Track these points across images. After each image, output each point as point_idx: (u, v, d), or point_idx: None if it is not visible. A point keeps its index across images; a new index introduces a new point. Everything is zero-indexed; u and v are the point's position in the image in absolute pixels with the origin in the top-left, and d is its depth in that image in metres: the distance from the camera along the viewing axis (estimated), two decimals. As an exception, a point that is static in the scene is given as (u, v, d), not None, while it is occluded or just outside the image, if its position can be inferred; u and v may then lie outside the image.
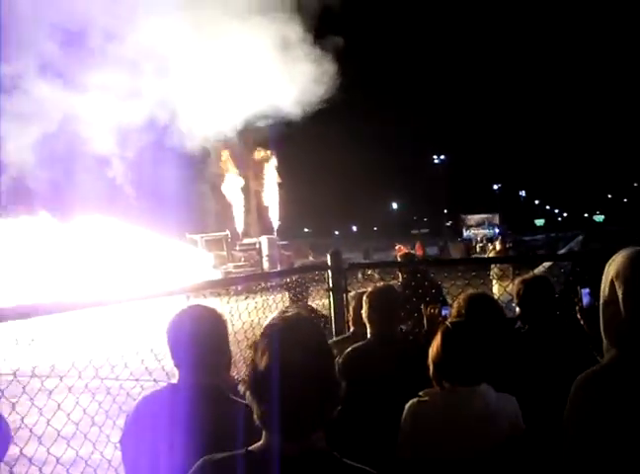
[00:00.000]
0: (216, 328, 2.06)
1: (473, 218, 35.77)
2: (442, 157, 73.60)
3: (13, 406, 2.29)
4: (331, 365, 1.32)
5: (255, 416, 1.28)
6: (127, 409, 2.04)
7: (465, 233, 33.79)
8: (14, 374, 2.53)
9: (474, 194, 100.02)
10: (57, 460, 2.43)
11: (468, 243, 31.32)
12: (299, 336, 1.28)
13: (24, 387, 2.49)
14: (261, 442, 1.30)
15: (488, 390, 2.20)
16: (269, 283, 6.03)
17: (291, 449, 1.25)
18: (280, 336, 1.28)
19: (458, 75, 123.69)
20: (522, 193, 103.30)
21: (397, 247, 33.42)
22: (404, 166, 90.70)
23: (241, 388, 1.31)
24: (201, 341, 1.98)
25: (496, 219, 35.81)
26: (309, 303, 3.97)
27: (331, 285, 3.37)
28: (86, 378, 2.78)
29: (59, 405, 2.50)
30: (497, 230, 32.74)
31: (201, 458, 1.36)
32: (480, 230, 32.85)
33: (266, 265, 30.73)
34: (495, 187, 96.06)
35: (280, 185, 39.61)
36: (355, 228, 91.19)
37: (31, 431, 2.45)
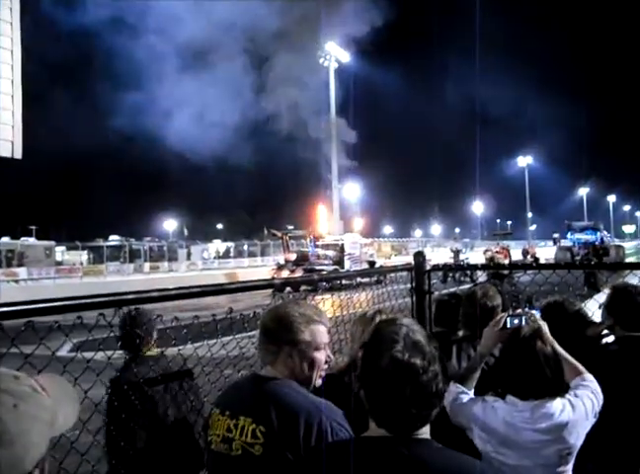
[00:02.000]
0: None
1: (578, 224, 34.24)
2: (528, 158, 70.92)
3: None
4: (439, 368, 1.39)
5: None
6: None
7: (569, 237, 32.18)
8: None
9: (558, 197, 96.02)
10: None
11: (572, 248, 30.20)
12: (417, 338, 1.38)
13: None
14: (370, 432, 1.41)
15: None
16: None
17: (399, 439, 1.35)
18: (401, 337, 1.37)
19: (544, 73, 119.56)
20: (611, 198, 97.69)
21: (494, 248, 32.31)
22: (487, 168, 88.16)
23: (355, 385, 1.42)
24: None
25: (599, 224, 33.91)
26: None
27: (414, 286, 3.39)
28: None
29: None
30: (599, 235, 31.01)
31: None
32: (583, 235, 31.24)
33: (347, 263, 30.33)
34: (581, 190, 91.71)
35: (363, 185, 39.26)
36: (437, 229, 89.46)
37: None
